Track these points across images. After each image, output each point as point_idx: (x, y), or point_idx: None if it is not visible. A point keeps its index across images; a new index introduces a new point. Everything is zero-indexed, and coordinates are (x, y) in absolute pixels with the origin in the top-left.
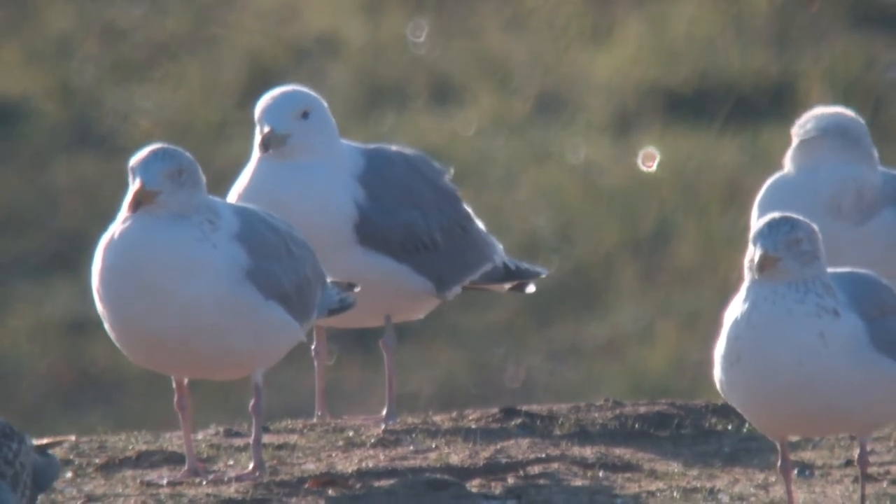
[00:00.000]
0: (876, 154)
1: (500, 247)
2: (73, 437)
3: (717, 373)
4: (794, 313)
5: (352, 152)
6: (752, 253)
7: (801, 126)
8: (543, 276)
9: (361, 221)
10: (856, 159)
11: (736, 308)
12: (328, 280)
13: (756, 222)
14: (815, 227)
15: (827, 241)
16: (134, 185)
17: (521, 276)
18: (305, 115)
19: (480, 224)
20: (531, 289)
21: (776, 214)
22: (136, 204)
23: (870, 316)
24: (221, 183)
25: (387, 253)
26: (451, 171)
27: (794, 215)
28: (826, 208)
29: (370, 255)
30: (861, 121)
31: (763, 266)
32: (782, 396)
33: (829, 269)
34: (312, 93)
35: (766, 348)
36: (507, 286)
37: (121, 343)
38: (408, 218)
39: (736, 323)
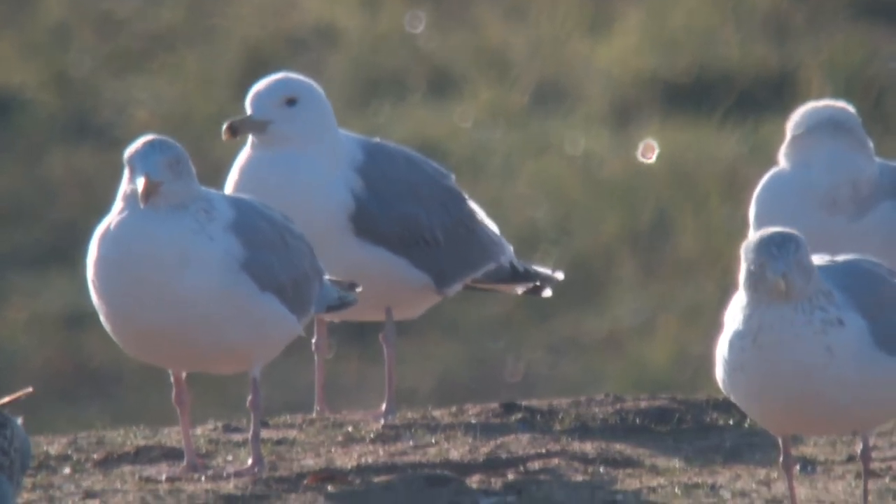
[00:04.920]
0: (871, 145)
1: (511, 248)
2: (30, 389)
3: (720, 373)
4: (801, 335)
5: (350, 143)
6: (756, 268)
7: (794, 121)
8: (558, 279)
9: (358, 211)
10: (850, 151)
11: (739, 317)
12: (327, 278)
13: (754, 239)
14: (801, 235)
15: (824, 237)
16: (139, 178)
17: (529, 279)
18: (291, 102)
19: (493, 226)
20: (547, 293)
21: (773, 231)
22: (148, 196)
23: (870, 313)
24: (219, 174)
25: (384, 245)
26: (453, 176)
27: (788, 230)
28: (821, 203)
29: (366, 247)
30: (854, 112)
31: (789, 291)
32: (787, 404)
33: (824, 259)
34: (304, 80)
35: (772, 365)
36: (521, 290)
37: (116, 335)
38: (407, 211)
39: (740, 335)
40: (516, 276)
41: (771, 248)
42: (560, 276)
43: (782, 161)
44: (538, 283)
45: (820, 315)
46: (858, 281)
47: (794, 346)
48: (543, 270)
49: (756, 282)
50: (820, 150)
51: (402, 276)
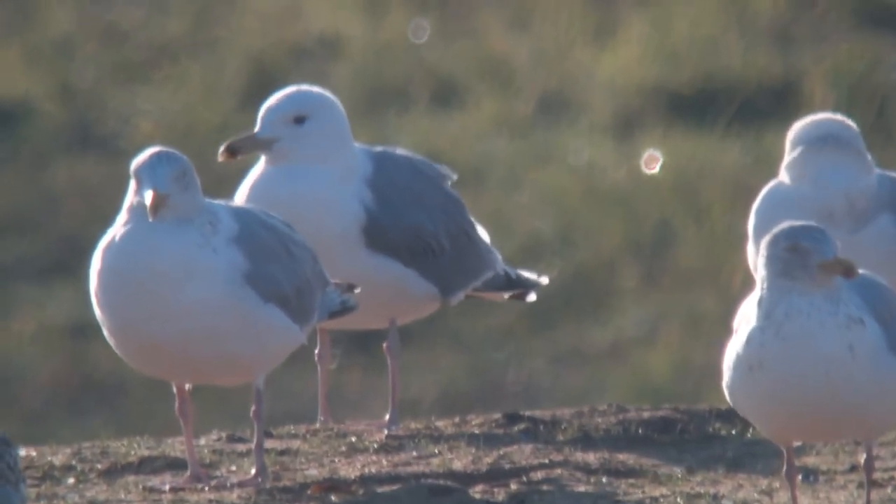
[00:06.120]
0: (869, 157)
1: (499, 256)
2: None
3: (729, 376)
4: (826, 325)
5: (360, 155)
6: (795, 255)
7: (792, 136)
8: (544, 284)
9: (369, 224)
10: (846, 164)
11: (759, 314)
12: (329, 282)
13: (786, 228)
14: None
15: None
16: (147, 191)
17: (520, 286)
18: (300, 119)
19: (483, 232)
20: (532, 298)
21: (806, 223)
22: (156, 209)
23: (885, 320)
24: (223, 185)
25: (394, 257)
26: (455, 176)
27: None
28: (819, 216)
29: (377, 259)
30: (852, 125)
31: (850, 269)
32: (803, 405)
33: None
34: (319, 95)
35: (794, 359)
36: (507, 295)
37: (119, 348)
38: (416, 221)
39: (760, 330)
40: (510, 283)
41: (814, 233)
42: (545, 280)
43: (782, 174)
44: (523, 289)
45: (845, 310)
46: (868, 289)
47: (819, 336)
48: (530, 276)
49: (793, 269)
50: (816, 163)
51: (410, 286)
